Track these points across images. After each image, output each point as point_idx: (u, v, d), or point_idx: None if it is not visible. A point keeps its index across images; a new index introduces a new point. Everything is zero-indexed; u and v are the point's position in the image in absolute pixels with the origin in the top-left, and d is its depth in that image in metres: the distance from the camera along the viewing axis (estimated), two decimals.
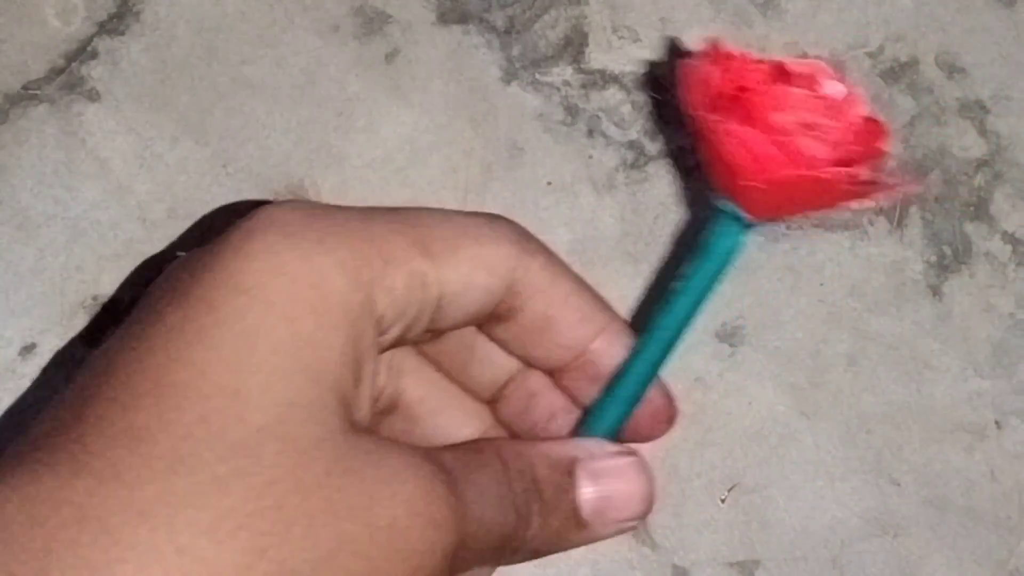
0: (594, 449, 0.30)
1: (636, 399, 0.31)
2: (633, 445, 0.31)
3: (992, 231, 0.38)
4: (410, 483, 0.25)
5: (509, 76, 0.38)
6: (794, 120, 0.28)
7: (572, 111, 0.38)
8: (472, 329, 0.31)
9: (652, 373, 0.31)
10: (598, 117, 0.38)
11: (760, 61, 0.29)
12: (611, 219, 0.37)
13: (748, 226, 0.29)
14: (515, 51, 0.38)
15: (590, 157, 0.38)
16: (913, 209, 0.38)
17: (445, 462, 0.27)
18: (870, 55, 0.39)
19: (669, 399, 0.32)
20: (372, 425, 0.31)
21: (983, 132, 0.39)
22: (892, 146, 0.28)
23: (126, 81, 0.37)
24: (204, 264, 0.26)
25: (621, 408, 0.31)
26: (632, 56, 0.38)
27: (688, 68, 0.29)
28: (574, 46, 0.38)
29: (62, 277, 0.36)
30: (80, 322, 0.36)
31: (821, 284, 0.38)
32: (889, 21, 0.39)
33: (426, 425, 0.32)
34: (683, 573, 0.36)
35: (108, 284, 0.36)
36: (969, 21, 0.39)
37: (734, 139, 0.28)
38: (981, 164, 0.38)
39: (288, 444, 0.24)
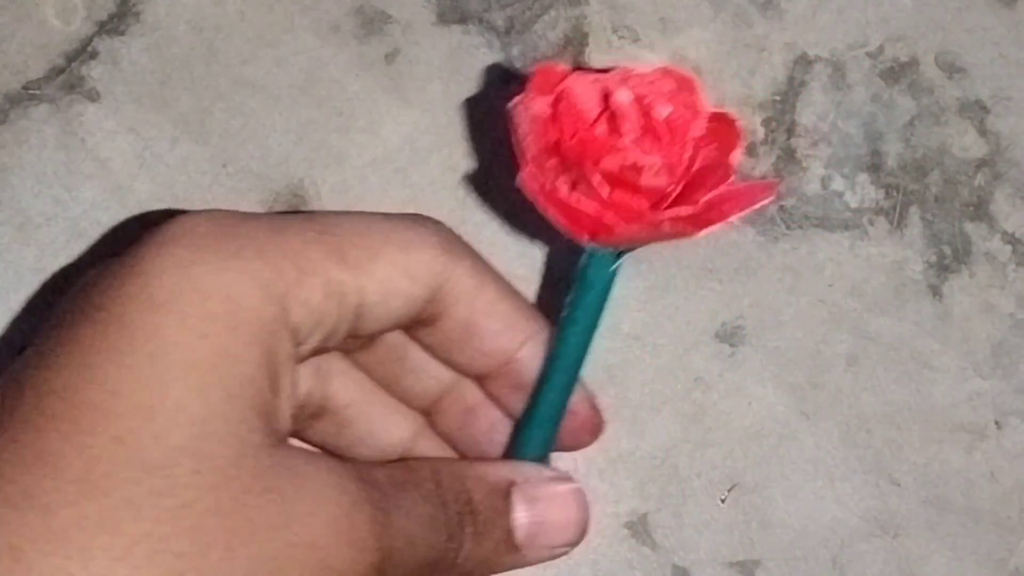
0: (531, 473, 0.30)
1: (556, 420, 0.31)
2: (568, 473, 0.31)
3: (992, 231, 0.38)
4: (333, 500, 0.25)
5: (509, 76, 0.38)
6: (619, 165, 0.27)
7: None
8: (403, 338, 0.31)
9: (564, 397, 0.30)
10: None
11: (592, 84, 0.28)
12: None
13: (618, 254, 0.29)
14: (515, 51, 0.38)
15: None
16: (913, 209, 0.38)
17: (375, 479, 0.26)
18: (870, 55, 0.39)
19: (595, 411, 0.32)
20: (301, 430, 0.32)
21: (983, 132, 0.39)
22: (744, 143, 0.28)
23: (126, 81, 0.37)
24: (115, 278, 0.25)
25: (544, 431, 0.31)
26: (632, 56, 0.38)
27: (519, 107, 0.28)
28: (574, 46, 0.38)
29: (62, 277, 0.36)
30: None
31: (830, 285, 0.38)
32: (889, 21, 0.39)
33: (355, 430, 0.32)
34: (683, 573, 0.36)
35: None
36: (969, 21, 0.39)
37: (560, 206, 0.27)
38: (981, 164, 0.38)
39: (205, 463, 0.23)
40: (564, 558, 0.35)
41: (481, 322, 0.30)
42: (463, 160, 0.38)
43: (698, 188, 0.28)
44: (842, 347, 0.37)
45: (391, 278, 0.28)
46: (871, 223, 0.38)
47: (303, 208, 0.37)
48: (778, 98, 0.39)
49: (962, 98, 0.39)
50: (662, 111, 0.28)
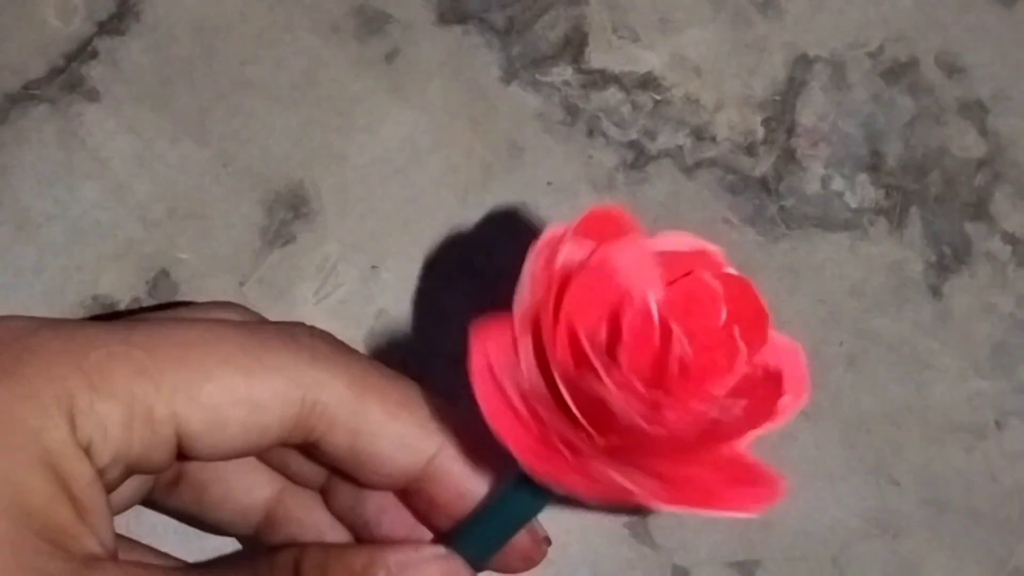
0: (403, 556, 0.26)
1: (496, 546, 0.27)
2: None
3: (992, 231, 0.38)
4: None
5: (509, 76, 0.38)
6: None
7: (572, 111, 0.38)
8: None
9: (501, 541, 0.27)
10: (598, 117, 0.38)
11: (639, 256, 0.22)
12: None
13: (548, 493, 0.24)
14: (515, 51, 0.38)
15: (590, 157, 0.38)
16: (913, 209, 0.38)
17: None
18: (870, 55, 0.39)
19: (534, 542, 0.29)
20: (161, 499, 0.29)
21: (983, 132, 0.39)
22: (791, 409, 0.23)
23: (126, 81, 0.37)
24: None
25: (480, 551, 0.27)
26: (632, 56, 0.38)
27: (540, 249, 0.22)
28: (574, 46, 0.38)
29: (62, 277, 0.36)
30: None
31: (830, 285, 0.38)
32: (889, 21, 0.39)
33: (214, 492, 0.29)
34: (683, 573, 0.36)
35: (108, 284, 0.36)
36: (969, 21, 0.39)
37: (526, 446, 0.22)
38: (981, 164, 0.38)
39: None
40: (565, 559, 0.35)
41: (367, 448, 0.26)
42: (463, 160, 0.38)
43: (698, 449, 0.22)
44: (842, 347, 0.37)
45: (222, 407, 0.24)
46: (871, 223, 0.38)
47: (303, 208, 0.37)
48: (778, 98, 0.39)
49: (962, 98, 0.39)
50: (684, 345, 0.22)
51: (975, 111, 0.39)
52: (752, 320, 0.22)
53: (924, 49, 0.39)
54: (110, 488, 0.25)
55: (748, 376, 0.23)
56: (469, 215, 0.37)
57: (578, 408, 0.21)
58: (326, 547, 0.26)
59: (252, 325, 0.26)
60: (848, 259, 0.38)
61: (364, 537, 0.29)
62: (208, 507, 0.30)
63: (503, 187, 0.37)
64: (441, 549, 0.26)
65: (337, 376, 0.25)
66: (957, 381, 0.37)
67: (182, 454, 0.25)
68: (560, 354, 0.22)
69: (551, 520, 0.36)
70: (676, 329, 0.22)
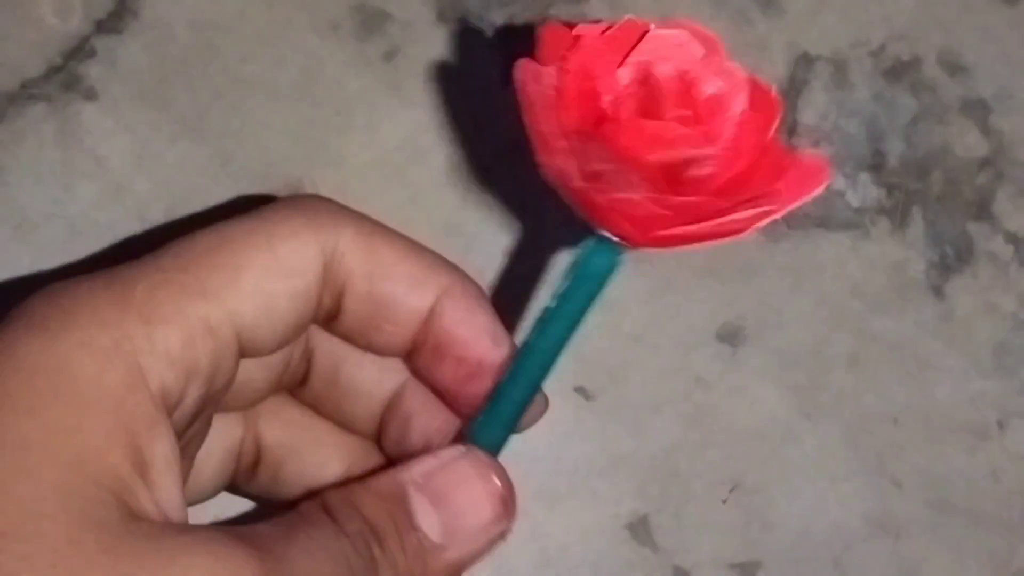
0: (427, 466, 0.27)
1: (517, 418, 0.28)
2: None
3: (994, 231, 0.38)
4: (208, 572, 0.22)
5: (509, 76, 0.38)
6: (667, 158, 0.24)
7: None
8: (334, 362, 0.29)
9: (529, 395, 0.28)
10: None
11: (607, 48, 0.24)
12: None
13: (624, 251, 0.26)
14: (515, 51, 0.38)
15: None
16: (915, 208, 0.38)
17: (259, 534, 0.24)
18: (872, 54, 0.39)
19: (542, 395, 0.29)
20: (244, 484, 0.30)
21: (985, 131, 0.38)
22: (780, 114, 0.25)
23: (124, 80, 0.37)
24: None
25: (503, 427, 0.28)
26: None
27: (527, 78, 0.24)
28: None
29: (60, 277, 0.36)
30: None
31: (832, 285, 0.38)
32: (891, 20, 0.39)
33: (288, 471, 0.30)
34: (684, 574, 0.36)
35: None
36: (971, 20, 0.39)
37: (607, 202, 0.24)
38: (983, 163, 0.38)
39: (34, 544, 0.21)
40: (565, 559, 0.35)
41: (382, 289, 0.27)
42: (463, 160, 0.37)
43: (745, 176, 0.25)
44: (844, 347, 0.37)
45: (265, 286, 0.26)
46: (873, 223, 0.38)
47: None
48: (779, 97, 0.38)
49: (964, 97, 0.39)
50: (707, 88, 0.25)
51: (977, 110, 0.39)
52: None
53: (926, 48, 0.39)
54: (192, 418, 0.25)
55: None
56: (469, 215, 0.37)
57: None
58: (346, 484, 0.27)
59: (253, 211, 0.27)
60: (850, 259, 0.38)
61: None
62: (286, 488, 0.30)
63: (503, 187, 0.37)
64: (460, 447, 0.27)
65: (345, 226, 0.27)
66: (959, 381, 0.37)
67: (244, 354, 0.26)
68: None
69: (552, 520, 0.35)
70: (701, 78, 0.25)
